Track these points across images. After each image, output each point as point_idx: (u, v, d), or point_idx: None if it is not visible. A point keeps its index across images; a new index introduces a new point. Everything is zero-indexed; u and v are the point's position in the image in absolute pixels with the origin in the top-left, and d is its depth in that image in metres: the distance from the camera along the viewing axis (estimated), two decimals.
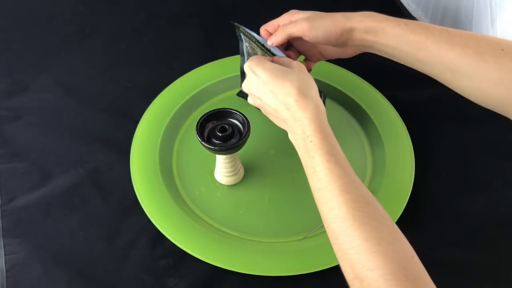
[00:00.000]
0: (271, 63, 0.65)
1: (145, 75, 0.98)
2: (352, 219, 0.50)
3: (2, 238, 0.75)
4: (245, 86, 0.67)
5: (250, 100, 0.70)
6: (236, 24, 0.76)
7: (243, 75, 0.78)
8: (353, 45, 0.69)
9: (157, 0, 1.14)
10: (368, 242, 0.48)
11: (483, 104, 0.64)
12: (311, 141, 0.57)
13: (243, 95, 0.80)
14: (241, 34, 0.77)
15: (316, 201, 0.56)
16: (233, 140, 0.74)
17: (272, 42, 0.71)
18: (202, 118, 0.75)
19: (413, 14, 1.13)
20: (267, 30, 0.74)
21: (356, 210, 0.50)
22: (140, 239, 0.75)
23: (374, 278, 0.46)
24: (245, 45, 0.77)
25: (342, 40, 0.68)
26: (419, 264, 0.48)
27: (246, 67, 0.66)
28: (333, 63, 0.94)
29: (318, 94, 0.63)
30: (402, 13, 1.13)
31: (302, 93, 0.61)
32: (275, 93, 0.62)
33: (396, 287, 0.45)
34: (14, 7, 1.12)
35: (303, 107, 0.60)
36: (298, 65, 0.65)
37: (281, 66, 0.64)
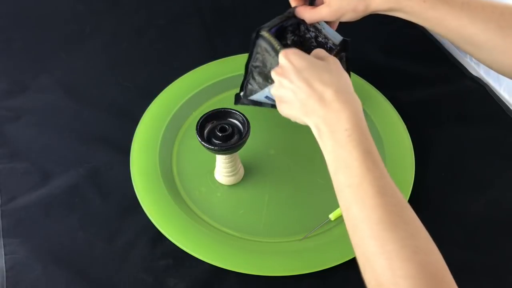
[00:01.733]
0: (308, 55, 0.62)
1: (145, 75, 0.98)
2: (389, 223, 0.47)
3: (2, 238, 0.75)
4: (274, 73, 0.63)
5: (273, 90, 0.65)
6: (263, 33, 0.71)
7: (247, 74, 0.76)
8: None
9: (157, 0, 1.14)
10: (404, 249, 0.46)
11: (505, 75, 0.65)
12: (349, 135, 0.53)
13: (239, 102, 0.79)
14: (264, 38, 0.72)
15: (341, 199, 0.53)
16: (233, 140, 0.74)
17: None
18: (202, 118, 0.75)
19: None
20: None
21: (393, 214, 0.48)
22: (140, 239, 0.75)
23: (405, 286, 0.44)
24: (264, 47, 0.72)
25: (356, 16, 0.69)
26: (451, 279, 0.47)
27: (281, 56, 0.62)
28: None
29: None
30: None
31: (343, 86, 0.58)
32: (310, 82, 0.58)
33: None
34: (14, 7, 1.12)
35: (343, 100, 0.56)
36: (334, 60, 0.63)
37: (318, 60, 0.62)
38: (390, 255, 0.45)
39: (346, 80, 0.61)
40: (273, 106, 0.70)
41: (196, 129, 0.74)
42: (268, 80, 0.73)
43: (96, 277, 0.72)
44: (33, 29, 1.07)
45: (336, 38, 0.75)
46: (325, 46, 0.75)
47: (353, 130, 0.54)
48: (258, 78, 0.74)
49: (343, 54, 0.75)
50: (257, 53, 0.72)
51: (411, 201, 0.77)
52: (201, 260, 0.72)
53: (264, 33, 0.70)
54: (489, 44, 0.61)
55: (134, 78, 0.98)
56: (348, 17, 0.68)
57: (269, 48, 0.69)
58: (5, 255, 0.73)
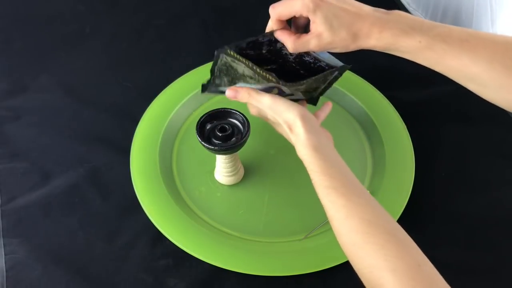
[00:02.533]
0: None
1: (145, 75, 0.98)
2: (360, 241, 0.53)
3: (2, 238, 0.75)
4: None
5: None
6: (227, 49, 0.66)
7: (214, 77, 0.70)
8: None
9: (156, 0, 1.14)
10: (376, 260, 0.51)
11: (510, 110, 0.62)
12: (312, 179, 0.59)
13: (206, 91, 0.71)
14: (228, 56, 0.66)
15: (332, 229, 0.59)
16: (233, 140, 0.74)
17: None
18: (202, 118, 0.75)
19: (413, 13, 1.13)
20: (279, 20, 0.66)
21: (361, 233, 0.54)
22: (140, 239, 0.75)
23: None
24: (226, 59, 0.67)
25: (346, 51, 0.64)
26: (427, 270, 0.51)
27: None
28: None
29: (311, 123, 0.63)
30: (400, 10, 1.13)
31: (292, 128, 0.63)
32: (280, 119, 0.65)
33: None
34: (14, 7, 1.12)
35: (298, 147, 0.62)
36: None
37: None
38: (369, 269, 0.52)
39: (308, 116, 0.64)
40: None
41: (196, 129, 0.74)
42: (235, 82, 0.69)
43: (96, 277, 0.72)
44: (33, 29, 1.07)
45: (331, 61, 0.68)
46: (313, 65, 0.69)
47: (313, 175, 0.60)
48: (226, 79, 0.70)
49: (337, 74, 0.69)
50: (222, 64, 0.68)
51: (412, 201, 0.77)
52: (201, 260, 0.72)
53: (228, 50, 0.64)
54: (494, 83, 0.58)
55: (134, 78, 0.97)
56: (336, 51, 0.63)
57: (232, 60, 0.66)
58: (5, 255, 0.73)
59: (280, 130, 0.68)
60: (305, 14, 0.60)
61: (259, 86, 0.66)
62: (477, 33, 0.59)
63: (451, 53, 0.58)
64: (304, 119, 0.61)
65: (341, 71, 0.67)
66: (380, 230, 0.53)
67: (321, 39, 0.60)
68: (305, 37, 0.61)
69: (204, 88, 0.69)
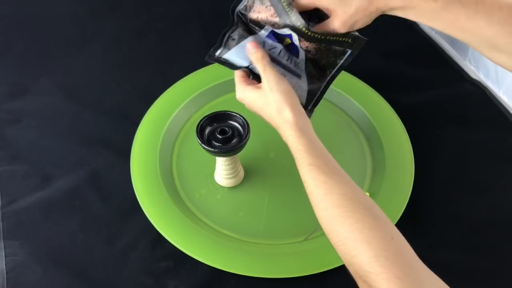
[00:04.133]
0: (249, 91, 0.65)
1: (145, 78, 0.99)
2: (338, 216, 0.55)
3: (2, 240, 0.75)
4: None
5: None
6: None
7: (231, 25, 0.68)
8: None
9: (157, 4, 1.14)
10: (352, 233, 0.53)
11: None
12: (296, 158, 0.61)
13: (212, 58, 0.69)
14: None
15: (312, 206, 0.60)
16: (233, 143, 0.74)
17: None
18: (202, 121, 0.75)
19: None
20: None
21: (339, 207, 0.55)
22: (140, 241, 0.75)
23: (360, 263, 0.51)
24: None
25: (369, 20, 0.65)
26: (400, 243, 0.52)
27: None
28: None
29: (294, 102, 0.63)
30: None
31: (274, 117, 0.63)
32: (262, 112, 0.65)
33: (378, 267, 0.49)
34: (15, 10, 1.12)
35: (283, 127, 0.62)
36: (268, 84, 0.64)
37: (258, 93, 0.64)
38: (344, 241, 0.54)
39: (280, 102, 0.63)
40: (247, 68, 0.66)
41: (196, 132, 0.74)
42: (246, 34, 0.66)
43: (96, 279, 0.72)
44: (34, 32, 1.07)
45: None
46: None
47: (296, 153, 0.61)
48: (241, 29, 0.67)
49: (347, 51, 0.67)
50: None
51: (411, 203, 0.77)
52: (201, 262, 0.72)
53: None
54: (507, 47, 0.58)
55: (134, 81, 0.98)
56: (361, 23, 0.64)
57: None
58: (5, 257, 0.73)
59: (262, 108, 0.65)
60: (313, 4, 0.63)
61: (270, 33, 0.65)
62: None
63: (466, 14, 0.58)
64: (293, 106, 0.62)
65: (358, 43, 0.66)
66: (357, 206, 0.55)
67: (339, 16, 0.63)
68: (325, 23, 0.64)
69: (214, 53, 0.67)
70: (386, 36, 1.08)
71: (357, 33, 0.66)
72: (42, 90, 0.96)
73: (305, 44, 0.66)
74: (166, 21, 1.10)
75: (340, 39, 0.65)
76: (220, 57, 0.67)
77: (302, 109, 0.64)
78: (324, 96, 0.96)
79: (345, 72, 0.95)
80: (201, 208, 0.79)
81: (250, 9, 0.66)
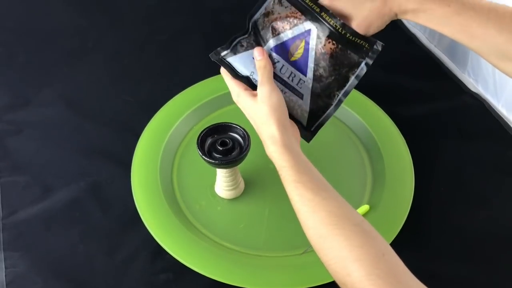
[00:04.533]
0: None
1: (147, 90, 0.99)
2: (326, 233, 0.54)
3: (2, 252, 0.75)
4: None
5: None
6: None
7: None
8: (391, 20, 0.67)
9: (159, 16, 1.15)
10: (342, 251, 0.52)
11: None
12: (281, 174, 0.60)
13: (217, 56, 0.68)
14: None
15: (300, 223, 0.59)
16: (234, 154, 0.75)
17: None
18: (203, 132, 0.76)
19: (412, 30, 1.14)
20: None
21: (327, 225, 0.55)
22: (140, 253, 0.75)
23: (353, 282, 0.50)
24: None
25: (383, 22, 0.65)
26: (391, 259, 0.52)
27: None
28: None
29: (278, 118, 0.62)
30: (400, 28, 1.14)
31: (260, 128, 0.63)
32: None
33: (370, 286, 0.49)
34: (17, 22, 1.13)
35: (268, 143, 0.62)
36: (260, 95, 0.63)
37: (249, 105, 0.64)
38: (335, 260, 0.53)
39: (264, 116, 0.63)
40: (247, 78, 0.65)
41: (197, 143, 0.74)
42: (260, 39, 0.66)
43: None
44: (36, 44, 1.08)
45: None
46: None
47: (281, 170, 0.61)
48: (253, 37, 0.67)
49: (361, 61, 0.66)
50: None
51: (411, 215, 0.77)
52: (201, 275, 0.72)
53: None
54: None
55: (136, 92, 0.98)
56: (375, 26, 0.64)
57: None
58: (5, 268, 0.73)
59: (250, 119, 0.65)
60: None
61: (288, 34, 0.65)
62: (504, 5, 0.59)
63: (478, 21, 0.58)
64: (279, 122, 0.62)
65: (374, 51, 0.65)
66: (346, 222, 0.54)
67: (354, 18, 0.63)
68: None
69: (219, 53, 0.67)
70: (386, 48, 1.08)
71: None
72: (43, 101, 0.96)
73: (323, 45, 0.64)
74: (167, 33, 1.11)
75: (359, 41, 0.64)
76: (224, 59, 0.67)
77: (289, 125, 0.63)
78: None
79: None
80: (202, 220, 0.80)
81: (270, 14, 0.66)
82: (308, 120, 0.68)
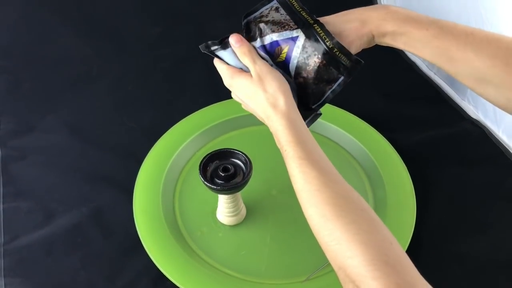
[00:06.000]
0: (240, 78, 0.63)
1: (150, 116, 1.00)
2: (330, 214, 0.51)
3: (3, 278, 0.75)
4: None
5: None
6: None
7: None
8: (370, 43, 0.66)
9: (162, 44, 1.17)
10: (346, 233, 0.49)
11: (508, 112, 0.62)
12: (285, 150, 0.57)
13: (207, 48, 0.67)
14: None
15: (300, 203, 0.57)
16: (236, 180, 0.75)
17: None
18: (205, 158, 0.76)
19: (411, 58, 1.16)
20: None
21: (332, 205, 0.52)
22: (141, 279, 0.75)
23: (355, 266, 0.47)
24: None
25: (362, 43, 0.65)
26: (398, 250, 0.49)
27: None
28: (335, 105, 0.96)
29: (286, 95, 0.60)
30: (400, 56, 1.16)
31: (262, 105, 0.61)
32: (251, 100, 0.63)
33: (375, 271, 0.46)
34: (23, 49, 1.15)
35: (274, 117, 0.59)
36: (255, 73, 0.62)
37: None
38: (337, 241, 0.50)
39: (271, 92, 0.61)
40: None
41: (199, 169, 0.75)
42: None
43: None
44: (42, 71, 1.10)
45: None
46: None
47: (287, 146, 0.58)
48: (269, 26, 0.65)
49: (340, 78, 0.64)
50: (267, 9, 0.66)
51: (413, 242, 0.77)
52: None
53: None
54: (494, 80, 0.58)
55: (139, 119, 0.99)
56: (354, 46, 0.64)
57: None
58: None
59: (251, 97, 0.63)
60: None
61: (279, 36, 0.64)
62: (481, 30, 0.60)
63: (457, 44, 0.59)
64: (286, 94, 0.60)
65: (353, 67, 0.63)
66: (352, 206, 0.52)
67: (334, 35, 0.62)
68: None
69: (210, 46, 0.66)
70: (386, 76, 1.10)
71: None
72: (48, 127, 0.97)
73: (308, 56, 0.63)
74: (171, 61, 1.13)
75: (344, 58, 0.63)
76: (214, 52, 0.66)
77: (294, 101, 0.61)
78: (326, 134, 0.97)
79: (346, 111, 0.97)
80: (203, 246, 0.79)
81: (263, 17, 0.65)
82: None
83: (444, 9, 1.02)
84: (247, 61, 0.61)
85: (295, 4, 0.65)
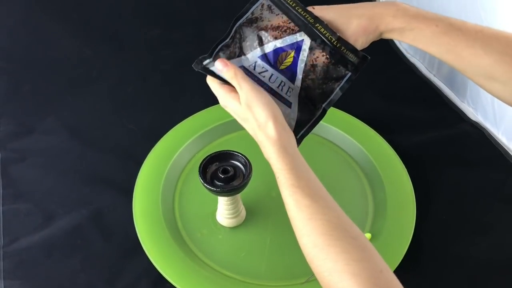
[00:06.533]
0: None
1: (150, 118, 1.00)
2: (322, 243, 0.52)
3: (2, 280, 0.75)
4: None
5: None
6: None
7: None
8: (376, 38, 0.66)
9: (162, 46, 1.17)
10: (337, 264, 0.50)
11: None
12: (278, 177, 0.58)
13: (199, 66, 0.65)
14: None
15: (294, 230, 0.57)
16: (235, 182, 0.75)
17: None
18: (205, 160, 0.76)
19: (411, 60, 1.16)
20: None
21: (323, 235, 0.52)
22: (141, 282, 0.75)
23: None
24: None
25: (368, 40, 0.64)
26: (389, 276, 0.50)
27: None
28: (334, 107, 0.95)
29: (276, 118, 0.59)
30: (399, 58, 1.16)
31: (255, 130, 0.60)
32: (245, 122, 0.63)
33: None
34: (22, 51, 1.15)
35: (265, 144, 0.59)
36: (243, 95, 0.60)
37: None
38: (329, 272, 0.51)
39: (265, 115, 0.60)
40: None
41: (199, 171, 0.75)
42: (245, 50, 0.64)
43: None
44: (41, 73, 1.10)
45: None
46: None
47: (279, 173, 0.58)
48: (238, 44, 0.65)
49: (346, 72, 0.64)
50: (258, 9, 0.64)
51: (413, 244, 0.77)
52: None
53: None
54: (503, 76, 0.58)
55: (139, 121, 0.99)
56: (360, 43, 0.63)
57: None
58: None
59: (243, 122, 0.62)
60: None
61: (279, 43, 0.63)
62: (490, 27, 0.60)
63: (466, 41, 0.59)
64: (276, 119, 0.59)
65: (360, 63, 0.63)
66: (343, 234, 0.52)
67: (339, 32, 0.62)
68: None
69: (201, 62, 0.64)
70: (386, 78, 1.10)
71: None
72: (47, 129, 0.97)
73: (316, 57, 0.62)
74: (170, 63, 1.13)
75: (351, 55, 0.62)
76: (208, 68, 0.64)
77: (286, 124, 0.61)
78: (326, 136, 0.97)
79: (346, 113, 0.97)
80: (203, 248, 0.79)
81: (258, 20, 0.64)
82: (295, 129, 0.65)
83: (443, 9, 1.02)
84: (235, 84, 0.61)
85: None
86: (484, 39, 0.59)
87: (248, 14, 0.64)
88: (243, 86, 0.60)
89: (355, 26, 0.62)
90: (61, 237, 0.80)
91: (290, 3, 0.63)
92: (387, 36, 0.63)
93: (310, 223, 0.54)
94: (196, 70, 0.64)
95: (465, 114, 1.02)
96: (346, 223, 0.54)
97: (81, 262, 0.77)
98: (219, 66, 0.61)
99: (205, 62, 0.64)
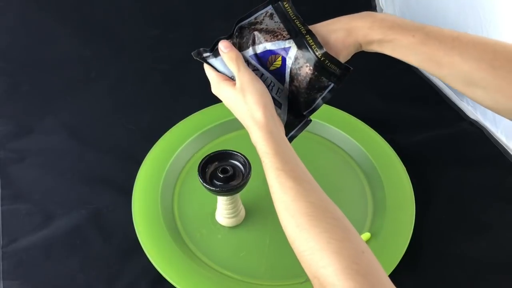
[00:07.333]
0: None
1: (149, 118, 1.00)
2: (304, 223, 0.53)
3: (2, 280, 0.74)
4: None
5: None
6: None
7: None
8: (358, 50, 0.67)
9: (161, 46, 1.17)
10: (319, 243, 0.51)
11: (497, 113, 0.63)
12: (263, 161, 0.59)
13: (200, 55, 0.67)
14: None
15: (277, 212, 0.58)
16: (235, 182, 0.75)
17: None
18: (204, 160, 0.76)
19: None
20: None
21: (306, 215, 0.53)
22: (140, 282, 0.75)
23: (328, 275, 0.48)
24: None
25: (348, 53, 0.65)
26: (371, 258, 0.50)
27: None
28: (333, 106, 0.96)
29: (266, 105, 0.61)
30: None
31: (244, 115, 0.61)
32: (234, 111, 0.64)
33: (347, 280, 0.47)
34: (21, 51, 1.15)
35: (252, 128, 0.61)
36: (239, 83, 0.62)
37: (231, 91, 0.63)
38: (311, 251, 0.51)
39: (252, 104, 0.62)
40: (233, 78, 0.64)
41: (198, 171, 0.75)
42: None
43: None
44: (40, 73, 1.10)
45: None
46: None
47: (264, 157, 0.59)
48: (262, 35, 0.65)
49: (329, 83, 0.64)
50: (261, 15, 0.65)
51: (412, 243, 0.77)
52: None
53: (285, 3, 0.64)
54: (482, 82, 0.59)
55: (138, 121, 0.99)
56: (342, 56, 0.64)
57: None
58: None
59: (234, 105, 0.64)
60: None
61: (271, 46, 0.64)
62: (467, 33, 0.60)
63: (443, 50, 0.59)
64: (266, 107, 0.60)
65: (342, 74, 0.63)
66: (325, 215, 0.53)
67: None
68: None
69: (202, 53, 0.66)
70: (385, 77, 1.10)
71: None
72: (46, 129, 0.97)
73: (300, 67, 0.63)
74: (169, 63, 1.13)
75: (334, 68, 0.63)
76: (206, 60, 0.66)
77: (275, 114, 0.62)
78: (325, 135, 0.96)
79: (345, 112, 0.97)
80: (202, 248, 0.79)
81: (257, 24, 0.65)
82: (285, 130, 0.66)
83: (443, 9, 1.03)
84: (232, 66, 0.62)
85: (290, 11, 0.65)
86: (461, 46, 0.59)
87: (252, 18, 0.66)
88: (242, 69, 0.61)
89: (334, 40, 0.63)
90: (60, 237, 0.80)
91: (291, 15, 0.65)
92: (368, 48, 0.64)
93: (293, 204, 0.55)
94: (195, 58, 0.66)
95: (464, 113, 1.02)
96: (329, 205, 0.55)
97: (81, 262, 0.77)
98: (223, 46, 0.63)
99: (205, 54, 0.66)
